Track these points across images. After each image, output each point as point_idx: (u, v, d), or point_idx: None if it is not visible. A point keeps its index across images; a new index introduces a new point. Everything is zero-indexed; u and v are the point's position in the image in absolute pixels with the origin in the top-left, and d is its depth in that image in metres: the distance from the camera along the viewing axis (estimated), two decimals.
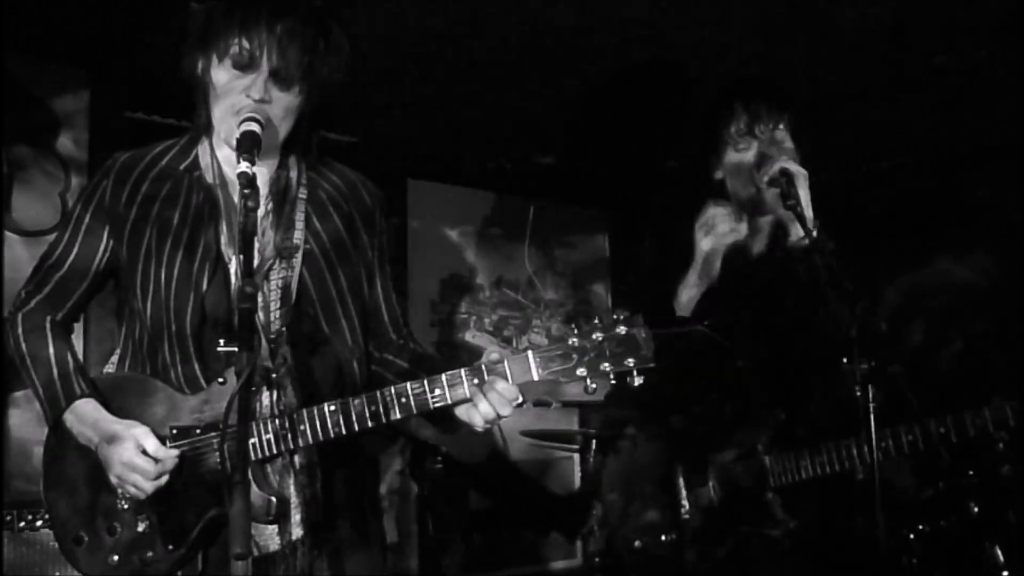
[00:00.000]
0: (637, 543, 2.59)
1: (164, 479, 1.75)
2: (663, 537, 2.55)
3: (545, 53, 4.04)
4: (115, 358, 1.98)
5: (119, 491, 1.77)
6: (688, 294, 2.45)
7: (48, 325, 1.92)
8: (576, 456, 4.88)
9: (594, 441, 4.20)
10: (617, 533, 2.66)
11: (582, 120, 4.84)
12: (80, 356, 1.99)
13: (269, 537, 1.77)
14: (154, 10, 3.20)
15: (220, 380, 1.78)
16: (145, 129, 3.83)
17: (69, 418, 1.83)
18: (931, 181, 5.14)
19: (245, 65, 1.79)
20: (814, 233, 2.18)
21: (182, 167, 1.94)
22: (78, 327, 2.07)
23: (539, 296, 5.66)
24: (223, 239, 1.87)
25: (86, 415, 1.83)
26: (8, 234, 3.64)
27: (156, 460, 1.74)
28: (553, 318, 5.69)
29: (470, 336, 5.28)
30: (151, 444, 1.76)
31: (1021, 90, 4.00)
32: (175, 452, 1.76)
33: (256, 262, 1.79)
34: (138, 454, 1.74)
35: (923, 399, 2.11)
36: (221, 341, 1.76)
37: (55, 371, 1.86)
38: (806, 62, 4.05)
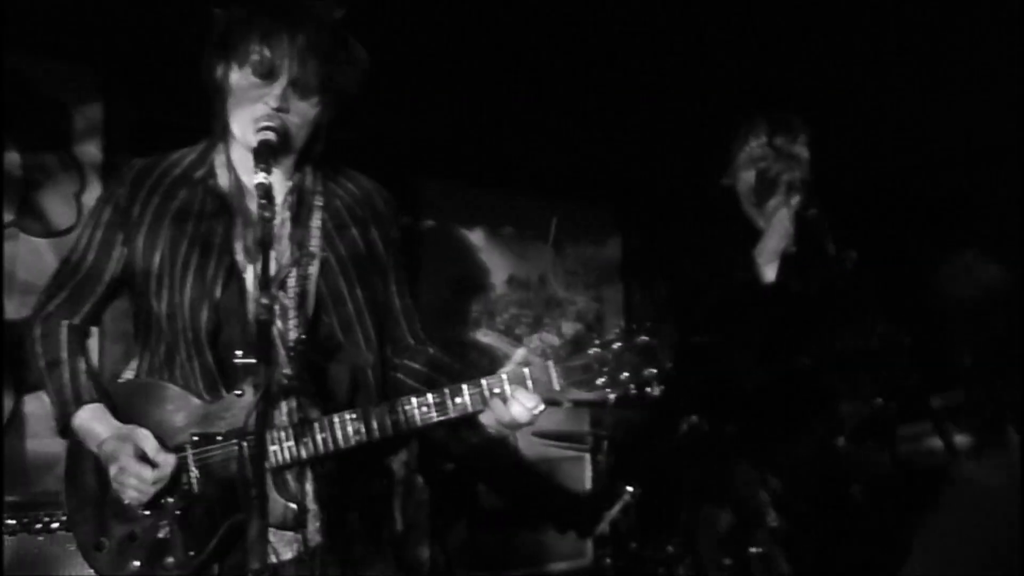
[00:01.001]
0: (727, 561, 2.50)
1: (160, 485, 1.74)
2: (752, 550, 2.46)
3: (557, 50, 4.04)
4: (134, 363, 1.98)
5: (122, 496, 1.77)
6: (768, 260, 2.38)
7: (64, 330, 1.93)
8: (587, 456, 4.87)
9: (605, 442, 4.21)
10: (703, 554, 2.58)
11: (594, 117, 4.84)
12: (96, 354, 2.01)
13: (287, 544, 1.78)
14: (170, 11, 3.20)
15: (238, 392, 1.79)
16: (161, 129, 3.83)
17: (79, 418, 1.83)
18: (934, 182, 5.13)
19: (265, 74, 1.80)
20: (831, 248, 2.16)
21: (198, 175, 1.94)
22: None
23: (551, 294, 5.65)
24: (238, 247, 1.88)
25: (94, 416, 1.83)
26: (22, 235, 3.66)
27: (154, 465, 1.74)
28: (565, 316, 5.69)
29: (482, 335, 5.28)
30: (150, 447, 1.76)
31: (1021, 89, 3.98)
32: (173, 458, 1.76)
33: (273, 270, 1.80)
34: (135, 459, 1.74)
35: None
36: (239, 353, 1.76)
37: (66, 375, 1.87)
38: (811, 65, 4.04)
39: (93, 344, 2.96)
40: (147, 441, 1.76)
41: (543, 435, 4.37)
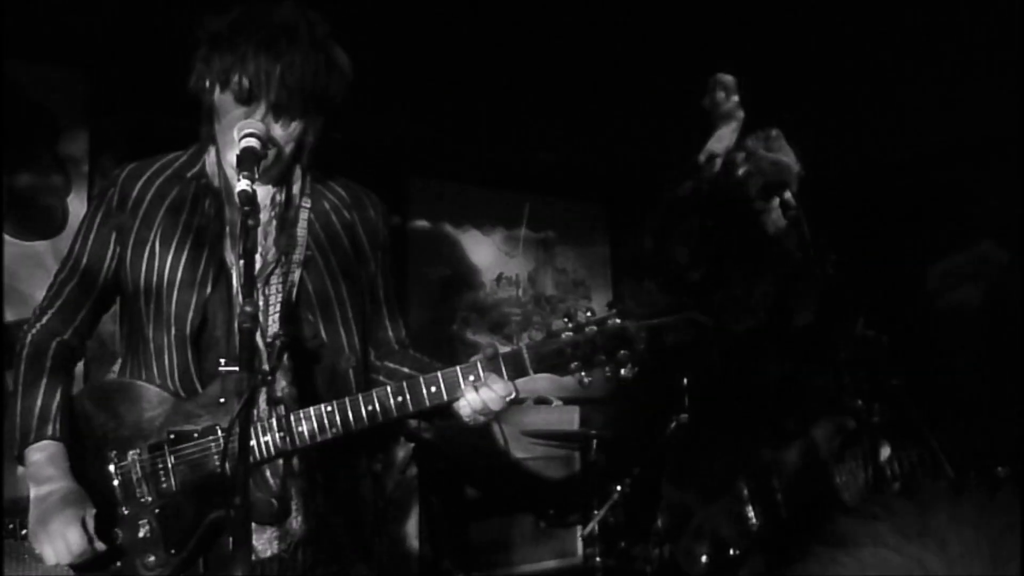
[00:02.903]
0: (704, 558, 2.47)
1: (78, 561, 1.74)
2: (731, 551, 2.43)
3: (546, 49, 4.04)
4: (117, 365, 1.98)
5: (36, 547, 1.76)
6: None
7: (51, 351, 1.91)
8: (577, 455, 4.88)
9: (595, 440, 4.22)
10: (679, 545, 2.56)
11: (585, 116, 4.84)
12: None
13: (268, 540, 1.78)
14: (158, 16, 3.20)
15: (221, 400, 1.79)
16: (148, 131, 3.82)
17: (35, 451, 1.82)
18: (929, 177, 5.13)
19: (245, 100, 1.79)
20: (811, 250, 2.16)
21: (189, 174, 1.94)
22: None
23: (540, 293, 5.66)
24: (228, 244, 1.88)
25: (46, 460, 1.81)
26: (10, 239, 3.66)
27: (90, 541, 1.74)
28: (554, 314, 5.69)
29: (470, 334, 5.28)
30: (92, 524, 1.76)
31: (1020, 84, 3.99)
32: (103, 546, 1.75)
33: (258, 266, 1.80)
34: (80, 523, 1.74)
35: (926, 411, 2.10)
36: (222, 360, 1.76)
37: (38, 404, 1.84)
38: (805, 58, 4.05)
39: None
40: (92, 516, 1.76)
41: (534, 434, 4.38)
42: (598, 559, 4.09)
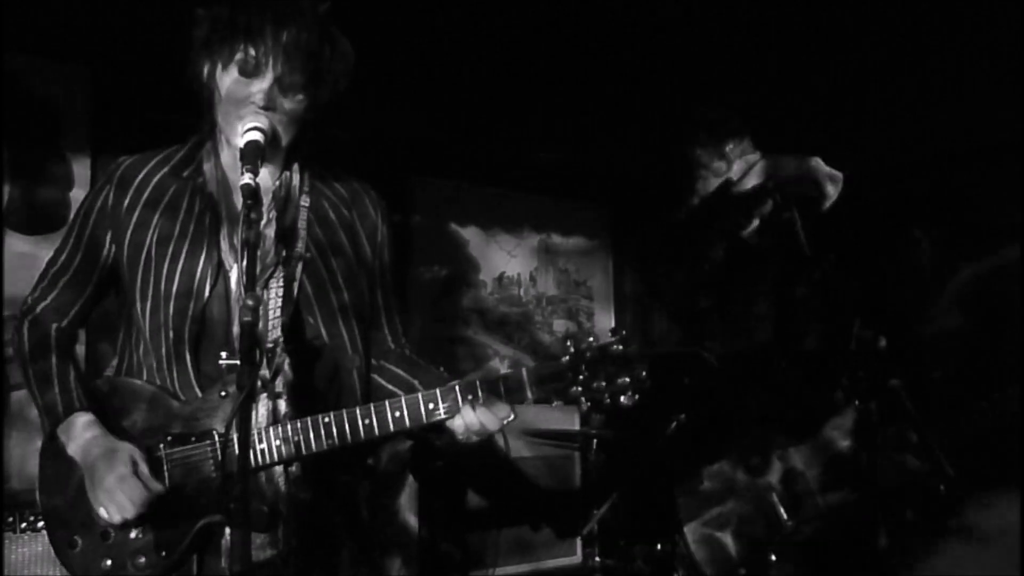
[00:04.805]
0: (743, 571, 2.39)
1: (144, 509, 1.73)
2: (772, 557, 2.38)
3: (550, 49, 4.04)
4: (115, 362, 1.98)
5: (99, 511, 1.75)
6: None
7: (53, 334, 1.92)
8: (576, 455, 4.87)
9: (595, 441, 4.21)
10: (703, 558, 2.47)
11: (587, 116, 4.83)
12: (83, 350, 2.00)
13: (261, 546, 1.77)
14: (161, 9, 3.20)
15: (223, 393, 1.78)
16: (150, 126, 3.82)
17: (72, 425, 1.82)
18: (931, 179, 5.11)
19: (251, 72, 1.78)
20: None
21: (185, 173, 1.94)
22: None
23: (541, 292, 5.65)
24: (224, 246, 1.87)
25: (81, 428, 1.81)
26: (12, 234, 3.66)
27: (149, 489, 1.73)
28: (555, 314, 5.68)
29: (472, 332, 5.27)
30: (144, 468, 1.75)
31: (1021, 88, 3.97)
32: (158, 487, 1.75)
33: (257, 270, 1.79)
34: (132, 472, 1.73)
35: (924, 411, 2.09)
36: (223, 354, 1.76)
37: (56, 383, 1.86)
38: (806, 61, 4.04)
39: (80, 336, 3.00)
40: (142, 461, 1.76)
41: (533, 433, 4.37)
42: (597, 559, 4.09)
